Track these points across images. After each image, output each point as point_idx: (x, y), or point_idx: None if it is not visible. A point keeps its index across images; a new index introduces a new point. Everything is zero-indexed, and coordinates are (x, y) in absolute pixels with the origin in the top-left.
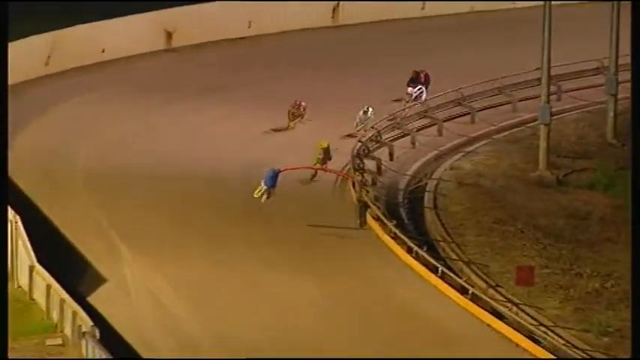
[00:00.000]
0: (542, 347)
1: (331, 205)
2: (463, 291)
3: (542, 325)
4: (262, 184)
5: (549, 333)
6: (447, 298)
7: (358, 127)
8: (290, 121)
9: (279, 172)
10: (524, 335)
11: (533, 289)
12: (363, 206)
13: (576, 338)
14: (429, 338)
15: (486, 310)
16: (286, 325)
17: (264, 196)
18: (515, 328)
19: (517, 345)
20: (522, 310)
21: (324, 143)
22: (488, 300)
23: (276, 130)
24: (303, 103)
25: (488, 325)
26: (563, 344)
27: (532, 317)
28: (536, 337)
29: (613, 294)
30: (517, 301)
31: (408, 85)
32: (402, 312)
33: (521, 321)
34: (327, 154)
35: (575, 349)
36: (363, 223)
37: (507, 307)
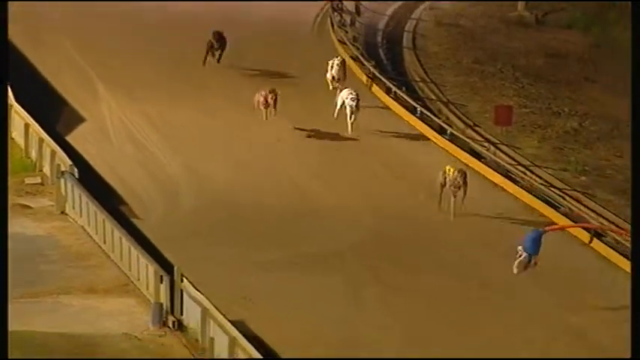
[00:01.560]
0: (520, 187)
1: (310, 41)
2: (441, 131)
3: (520, 164)
4: (522, 249)
5: (527, 173)
6: (425, 138)
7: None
8: (263, 110)
9: (544, 233)
10: (502, 175)
11: (512, 128)
12: None
13: (554, 177)
14: (405, 176)
15: (464, 150)
16: (263, 163)
17: (522, 265)
18: (493, 168)
19: (495, 185)
20: (500, 150)
21: (451, 169)
22: (467, 140)
23: None
24: (263, 93)
25: (467, 164)
26: (541, 183)
27: (510, 157)
28: (513, 176)
29: (591, 133)
30: (495, 140)
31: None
32: (379, 150)
33: (499, 161)
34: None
35: (552, 189)
36: None
37: (485, 147)
